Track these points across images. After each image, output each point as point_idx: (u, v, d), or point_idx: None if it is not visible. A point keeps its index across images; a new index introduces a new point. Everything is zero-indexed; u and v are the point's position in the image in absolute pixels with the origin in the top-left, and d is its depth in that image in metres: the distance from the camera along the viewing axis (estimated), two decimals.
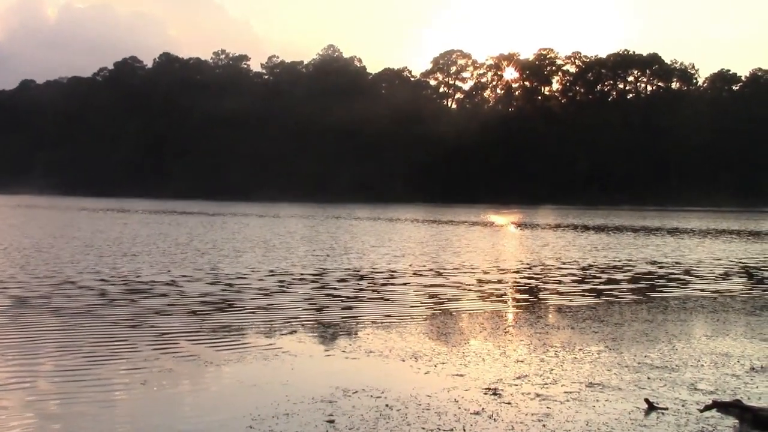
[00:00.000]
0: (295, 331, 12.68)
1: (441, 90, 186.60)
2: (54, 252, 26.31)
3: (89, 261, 23.42)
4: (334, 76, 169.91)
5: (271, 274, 21.10)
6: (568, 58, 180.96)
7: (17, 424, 7.55)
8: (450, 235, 42.43)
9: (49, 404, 8.26)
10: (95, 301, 15.43)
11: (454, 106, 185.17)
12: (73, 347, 11.05)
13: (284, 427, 7.57)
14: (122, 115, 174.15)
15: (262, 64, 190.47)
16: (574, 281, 20.76)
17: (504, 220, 67.28)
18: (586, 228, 52.79)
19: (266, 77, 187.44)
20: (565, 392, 8.99)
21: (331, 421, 7.74)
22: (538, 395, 8.84)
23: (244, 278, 19.93)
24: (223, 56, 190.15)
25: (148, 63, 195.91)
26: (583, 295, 17.89)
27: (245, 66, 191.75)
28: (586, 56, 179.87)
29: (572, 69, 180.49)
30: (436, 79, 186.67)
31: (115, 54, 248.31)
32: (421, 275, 21.55)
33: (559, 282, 20.49)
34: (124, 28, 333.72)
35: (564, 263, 25.79)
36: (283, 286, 18.44)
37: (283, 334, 12.38)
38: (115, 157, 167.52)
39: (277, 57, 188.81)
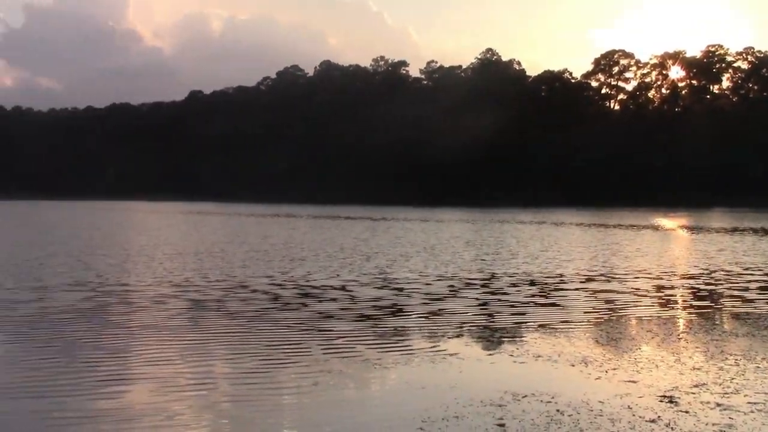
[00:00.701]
0: (462, 335, 12.68)
1: (603, 91, 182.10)
2: (226, 257, 27.40)
3: (260, 265, 24.25)
4: (494, 80, 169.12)
5: (439, 278, 21.18)
6: (740, 54, 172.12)
7: (194, 424, 7.89)
8: (618, 238, 41.26)
9: (224, 405, 8.58)
10: (268, 305, 15.93)
11: (617, 107, 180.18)
12: (247, 350, 11.45)
13: (454, 429, 7.57)
14: (285, 122, 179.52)
15: (420, 70, 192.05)
16: (758, 288, 19.62)
17: (673, 223, 64.78)
18: (767, 232, 49.95)
19: (425, 82, 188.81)
20: (749, 402, 8.54)
21: (501, 425, 7.68)
22: (718, 405, 8.44)
23: (413, 282, 20.10)
24: (382, 63, 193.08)
25: (309, 71, 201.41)
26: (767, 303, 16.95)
27: (404, 72, 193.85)
28: (759, 51, 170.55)
29: (744, 65, 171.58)
30: (597, 80, 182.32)
31: (278, 63, 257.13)
32: (591, 280, 21.06)
33: (740, 288, 19.44)
34: (285, 39, 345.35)
35: (746, 269, 24.42)
36: (451, 291, 18.47)
37: (450, 338, 12.40)
38: (278, 163, 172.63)
39: (436, 62, 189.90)
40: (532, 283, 20.25)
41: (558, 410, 8.19)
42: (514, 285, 19.67)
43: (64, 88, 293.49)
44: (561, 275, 22.18)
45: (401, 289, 18.62)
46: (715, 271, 23.53)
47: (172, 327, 13.25)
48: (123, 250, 29.99)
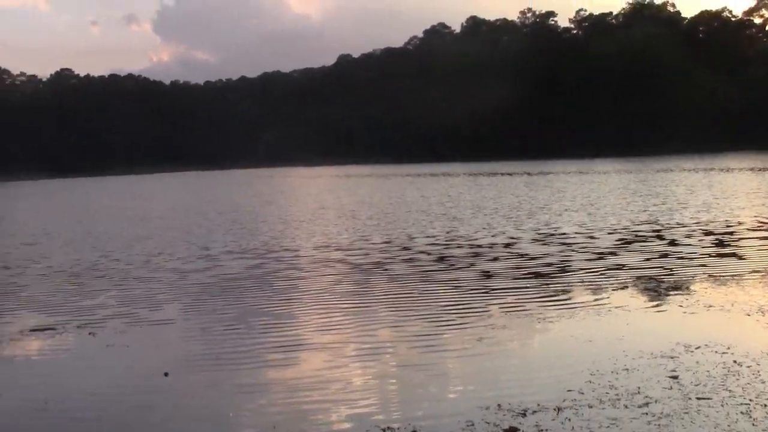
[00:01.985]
0: (628, 287, 12.49)
1: None
2: (387, 218, 27.85)
3: (422, 225, 24.53)
4: (647, 25, 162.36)
5: (606, 231, 20.84)
6: None
7: (363, 392, 8.19)
8: None
9: (392, 370, 8.85)
10: (432, 266, 16.16)
11: None
12: (413, 313, 11.69)
13: (624, 381, 7.53)
14: (433, 81, 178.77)
15: (570, 19, 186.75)
16: None
17: None
18: None
19: (575, 32, 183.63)
20: None
21: (675, 377, 7.57)
22: None
23: (578, 236, 19.91)
24: (530, 14, 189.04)
25: (456, 28, 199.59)
26: None
27: (553, 23, 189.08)
28: None
29: None
30: (761, 16, 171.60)
31: (425, 23, 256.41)
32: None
33: None
34: None
35: None
36: (618, 244, 18.15)
37: (615, 290, 12.25)
38: (428, 123, 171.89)
39: (585, 10, 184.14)
40: (706, 233, 19.56)
41: (735, 361, 7.98)
42: (687, 236, 19.04)
43: (218, 59, 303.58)
44: (735, 223, 21.33)
45: (567, 244, 18.44)
46: None
47: (339, 292, 13.65)
48: (285, 216, 30.98)
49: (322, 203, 38.94)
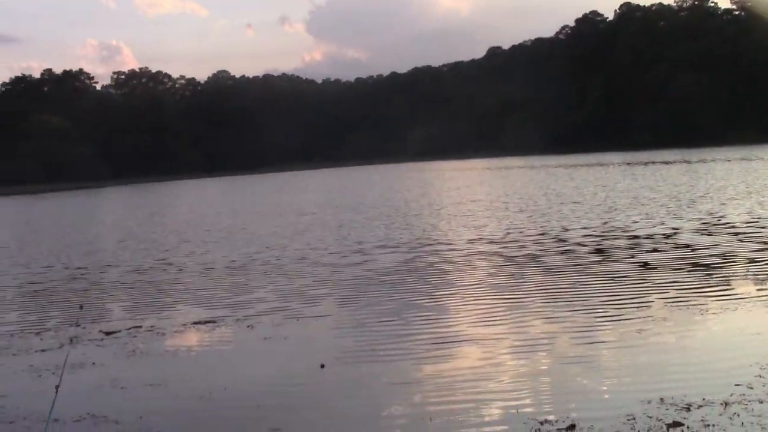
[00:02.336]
0: None
1: None
2: (539, 209, 27.39)
3: (577, 216, 24.03)
4: None
5: None
6: None
7: (515, 389, 8.11)
8: None
9: (544, 367, 8.77)
10: (587, 257, 15.84)
11: None
12: (569, 306, 11.52)
13: None
14: (586, 70, 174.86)
15: (731, 0, 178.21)
16: None
17: None
18: None
19: (737, 13, 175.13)
20: None
21: None
22: None
23: (747, 226, 19.01)
24: None
25: (609, 16, 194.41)
26: None
27: (712, 5, 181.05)
28: None
29: None
30: None
31: (577, 11, 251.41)
32: None
33: None
34: None
35: None
36: None
37: None
38: (577, 111, 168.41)
39: None
40: None
41: None
42: None
43: (369, 56, 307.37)
44: None
45: (732, 234, 17.63)
46: None
47: (493, 285, 13.56)
48: (437, 209, 31.01)
49: (474, 196, 38.72)
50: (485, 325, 10.49)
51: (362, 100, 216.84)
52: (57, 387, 5.02)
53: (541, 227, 21.82)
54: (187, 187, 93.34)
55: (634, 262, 14.64)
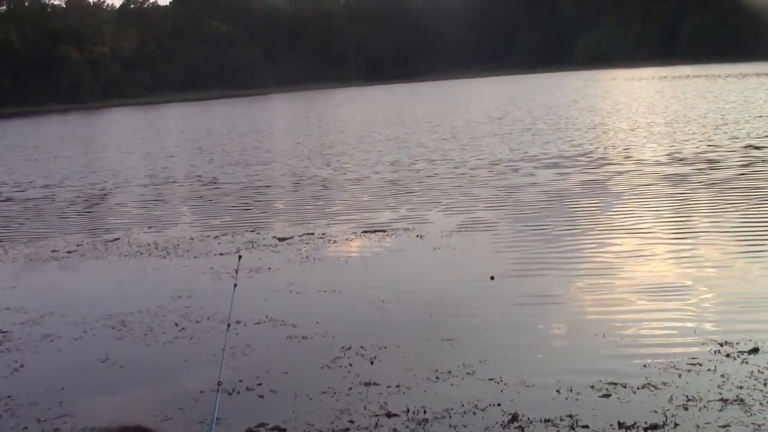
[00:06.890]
0: None
1: None
2: (724, 120, 25.69)
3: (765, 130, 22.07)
4: None
5: None
6: None
7: (695, 294, 7.83)
8: None
9: (720, 283, 8.51)
10: None
11: None
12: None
13: None
14: None
15: None
16: None
17: None
18: None
19: None
20: None
21: None
22: None
23: None
24: None
25: None
26: None
27: None
28: None
29: None
30: None
31: None
32: None
33: None
34: None
35: None
36: None
37: None
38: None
39: None
40: None
41: None
42: None
43: None
44: None
45: None
46: None
47: (672, 205, 12.78)
48: (605, 122, 29.27)
49: (651, 107, 36.05)
50: (665, 244, 10.15)
51: (539, 3, 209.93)
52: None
53: (732, 138, 20.33)
54: (359, 95, 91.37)
55: None
